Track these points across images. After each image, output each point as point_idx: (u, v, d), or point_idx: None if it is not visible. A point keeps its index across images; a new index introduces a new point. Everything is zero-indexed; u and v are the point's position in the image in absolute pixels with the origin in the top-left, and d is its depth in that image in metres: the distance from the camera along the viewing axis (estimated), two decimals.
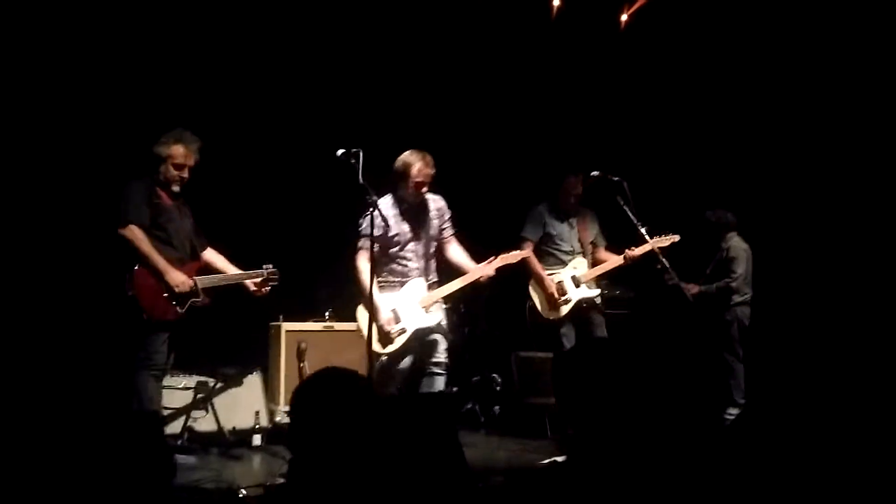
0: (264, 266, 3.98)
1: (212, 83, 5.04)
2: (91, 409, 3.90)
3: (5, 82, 4.41)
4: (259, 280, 3.95)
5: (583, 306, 4.74)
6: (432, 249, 4.16)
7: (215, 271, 3.95)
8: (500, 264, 4.17)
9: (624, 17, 5.73)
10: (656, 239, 4.49)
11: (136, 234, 3.66)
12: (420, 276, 4.09)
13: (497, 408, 5.38)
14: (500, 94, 5.91)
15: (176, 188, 3.86)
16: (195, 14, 4.84)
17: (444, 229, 4.19)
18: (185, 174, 3.85)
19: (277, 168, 5.31)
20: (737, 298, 5.22)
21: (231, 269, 4.00)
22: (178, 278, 3.70)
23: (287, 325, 4.86)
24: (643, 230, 3.97)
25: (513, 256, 4.29)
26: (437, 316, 4.08)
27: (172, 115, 4.24)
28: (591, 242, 4.84)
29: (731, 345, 5.20)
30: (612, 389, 2.63)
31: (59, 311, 4.47)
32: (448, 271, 4.24)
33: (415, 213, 4.09)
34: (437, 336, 4.05)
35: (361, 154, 3.28)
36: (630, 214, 3.95)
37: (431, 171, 3.99)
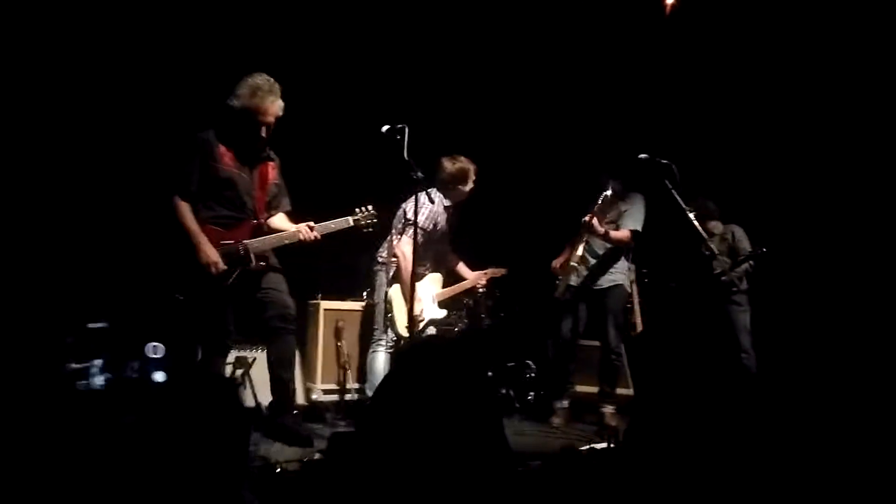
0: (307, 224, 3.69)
1: (259, 56, 5.02)
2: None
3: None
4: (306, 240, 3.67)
5: (579, 291, 4.73)
6: (444, 249, 4.66)
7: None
8: (492, 276, 4.87)
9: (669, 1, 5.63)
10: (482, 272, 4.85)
11: (179, 205, 3.48)
12: (434, 270, 4.59)
13: (532, 394, 5.35)
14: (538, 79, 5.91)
15: (259, 144, 3.58)
16: None
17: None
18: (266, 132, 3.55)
19: (321, 143, 5.29)
20: (745, 285, 5.20)
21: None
22: (208, 258, 3.45)
23: (325, 304, 4.87)
24: (691, 215, 3.87)
25: (499, 272, 4.93)
26: (444, 312, 4.59)
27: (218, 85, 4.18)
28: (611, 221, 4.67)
29: (747, 331, 5.17)
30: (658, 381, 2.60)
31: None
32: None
33: (449, 214, 4.50)
34: (434, 330, 4.55)
35: (407, 130, 3.24)
36: (678, 200, 3.86)
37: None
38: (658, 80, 5.91)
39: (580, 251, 4.59)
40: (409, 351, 2.52)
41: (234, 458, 2.00)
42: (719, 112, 5.86)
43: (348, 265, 5.10)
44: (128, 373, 3.89)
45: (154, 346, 4.02)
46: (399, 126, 3.24)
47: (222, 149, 3.55)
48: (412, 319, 3.81)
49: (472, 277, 4.78)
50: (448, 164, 4.45)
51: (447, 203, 4.47)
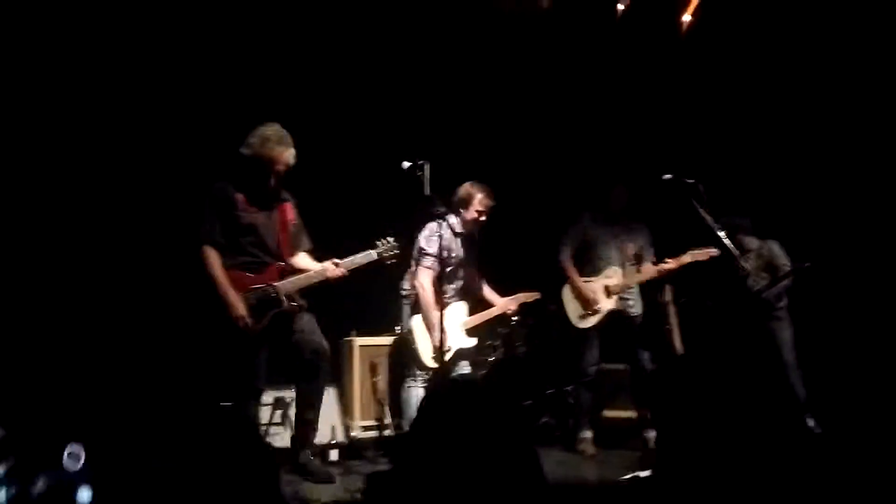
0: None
1: (279, 91, 5.10)
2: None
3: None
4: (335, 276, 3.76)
5: (614, 317, 4.65)
6: (468, 276, 4.48)
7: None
8: (523, 301, 4.63)
9: (686, 19, 5.59)
10: (693, 251, 4.54)
11: (208, 255, 3.57)
12: (457, 298, 4.44)
13: (572, 421, 5.28)
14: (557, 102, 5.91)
15: (270, 190, 3.68)
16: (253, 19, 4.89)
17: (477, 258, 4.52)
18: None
19: (344, 179, 5.36)
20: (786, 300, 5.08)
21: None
22: (236, 312, 3.55)
23: (360, 341, 4.88)
24: (721, 234, 3.83)
25: (531, 296, 4.68)
26: (473, 340, 4.45)
27: (232, 120, 4.20)
28: (636, 255, 4.76)
29: (792, 347, 5.02)
30: (701, 406, 2.55)
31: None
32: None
33: (465, 239, 4.38)
34: (466, 359, 4.44)
35: (428, 166, 3.28)
36: (706, 219, 3.82)
37: (492, 203, 4.32)
38: (686, 97, 5.87)
39: (630, 281, 4.68)
40: (440, 391, 2.52)
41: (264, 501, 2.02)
42: (753, 126, 5.79)
43: (379, 300, 5.12)
44: (37, 490, 2.59)
45: (73, 453, 2.63)
46: (420, 162, 3.28)
47: (240, 196, 3.65)
48: (440, 350, 3.78)
49: (501, 304, 4.59)
50: (458, 189, 4.38)
51: (459, 229, 4.34)
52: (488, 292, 4.63)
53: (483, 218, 4.34)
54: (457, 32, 5.41)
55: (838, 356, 5.28)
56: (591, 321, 4.67)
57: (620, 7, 5.44)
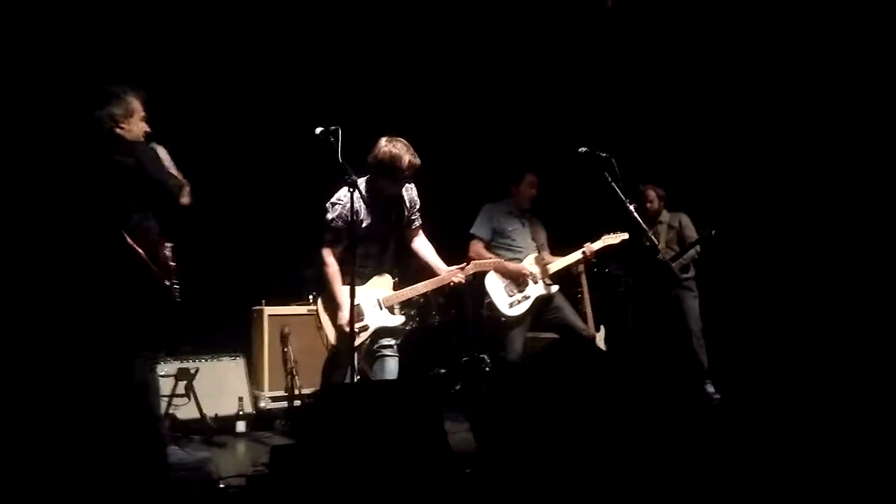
0: None
1: (190, 64, 4.88)
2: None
3: None
4: None
5: (541, 303, 4.65)
6: (394, 242, 3.90)
7: None
8: (473, 271, 4.03)
9: None
10: (608, 236, 4.59)
11: None
12: (381, 270, 3.86)
13: (486, 389, 5.33)
14: (472, 76, 5.88)
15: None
16: None
17: (413, 219, 3.93)
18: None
19: (257, 147, 5.19)
20: (693, 271, 5.28)
21: None
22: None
23: (269, 310, 4.77)
24: (631, 207, 3.91)
25: (487, 264, 4.27)
26: (400, 318, 3.87)
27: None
28: (539, 245, 4.80)
29: (698, 317, 5.21)
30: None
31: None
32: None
33: (386, 204, 3.79)
34: (390, 336, 3.82)
35: (340, 132, 3.17)
36: (618, 192, 3.88)
37: (419, 163, 3.72)
38: (598, 71, 5.93)
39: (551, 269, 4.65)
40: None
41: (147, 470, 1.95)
42: (663, 101, 5.92)
43: (293, 270, 5.00)
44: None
45: None
46: (332, 128, 3.16)
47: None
48: (344, 330, 3.50)
49: (444, 274, 3.88)
50: (381, 146, 3.69)
51: (375, 196, 3.72)
52: (428, 255, 3.96)
53: (410, 182, 3.81)
54: None
55: (741, 326, 5.53)
56: (522, 308, 4.58)
57: None
